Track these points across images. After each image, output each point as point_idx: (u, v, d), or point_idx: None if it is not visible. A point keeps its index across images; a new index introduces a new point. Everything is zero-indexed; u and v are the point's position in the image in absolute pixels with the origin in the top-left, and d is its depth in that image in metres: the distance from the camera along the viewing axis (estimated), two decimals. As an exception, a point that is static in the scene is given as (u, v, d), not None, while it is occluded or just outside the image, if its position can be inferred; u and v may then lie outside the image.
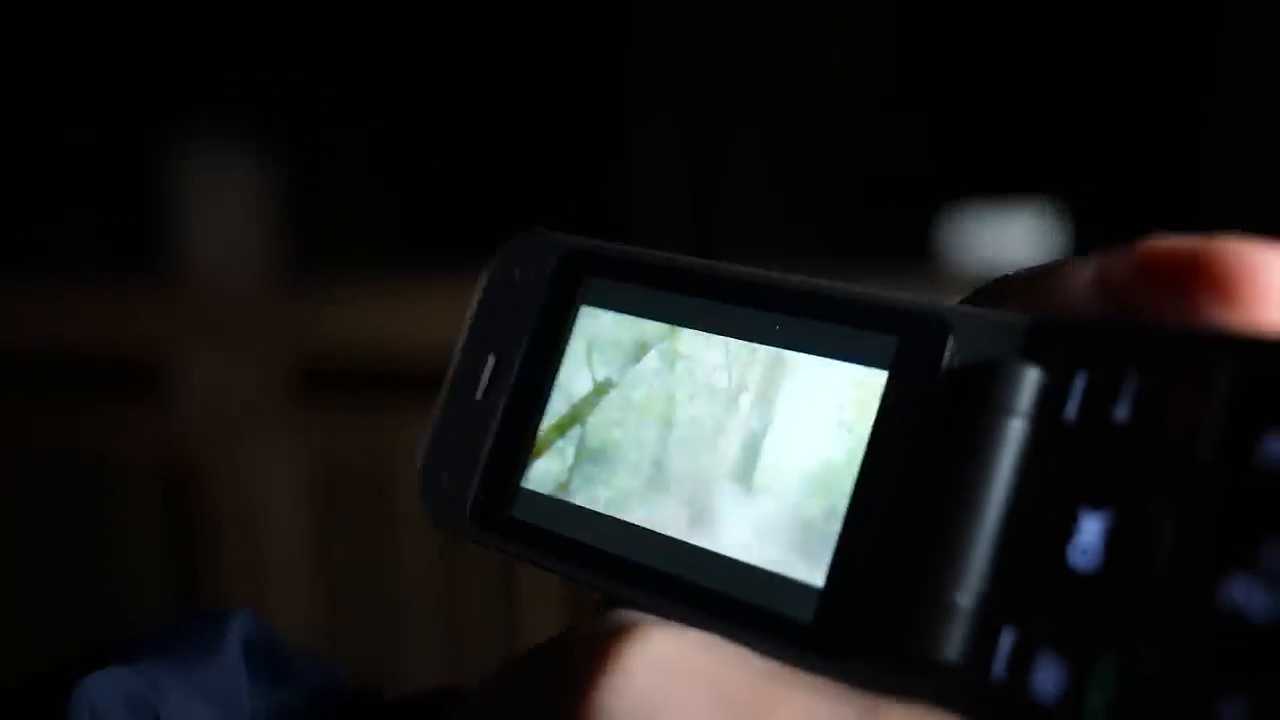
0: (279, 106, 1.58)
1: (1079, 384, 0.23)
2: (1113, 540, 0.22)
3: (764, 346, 0.28)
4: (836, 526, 0.25)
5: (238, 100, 1.58)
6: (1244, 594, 0.21)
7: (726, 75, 1.56)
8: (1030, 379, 0.24)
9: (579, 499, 0.29)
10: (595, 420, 0.30)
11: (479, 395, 0.31)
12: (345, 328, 1.45)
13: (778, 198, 1.56)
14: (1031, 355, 0.24)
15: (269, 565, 1.45)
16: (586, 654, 0.25)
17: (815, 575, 0.25)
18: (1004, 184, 1.50)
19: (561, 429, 0.30)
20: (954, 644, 0.23)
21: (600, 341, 0.30)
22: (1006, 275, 0.26)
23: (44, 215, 1.60)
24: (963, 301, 0.26)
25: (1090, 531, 0.23)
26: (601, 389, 0.30)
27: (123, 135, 1.59)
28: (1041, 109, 1.55)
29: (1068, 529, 0.23)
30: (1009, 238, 1.43)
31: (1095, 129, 1.52)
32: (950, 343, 0.25)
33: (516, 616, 1.43)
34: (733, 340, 0.28)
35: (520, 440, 0.30)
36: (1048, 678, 0.22)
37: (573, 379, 0.30)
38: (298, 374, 1.47)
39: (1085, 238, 1.45)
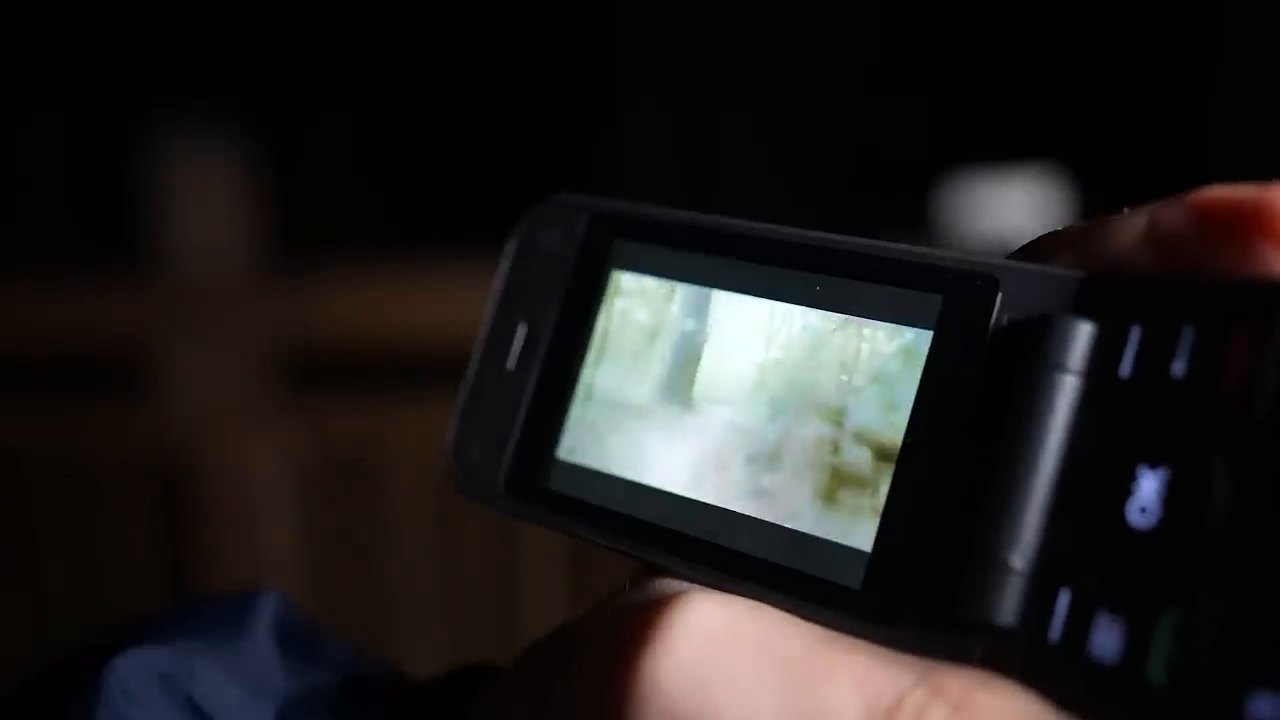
0: (259, 92, 1.57)
1: (1133, 339, 0.23)
2: (1172, 496, 0.22)
3: (804, 308, 0.27)
4: (883, 490, 0.25)
5: (217, 86, 1.57)
6: None
7: (716, 49, 1.55)
8: (1083, 335, 0.23)
9: (618, 468, 0.29)
10: (632, 387, 0.29)
11: (510, 365, 0.31)
12: (333, 316, 1.44)
13: (772, 171, 1.55)
14: (1084, 311, 0.24)
15: (261, 558, 1.44)
16: (632, 623, 0.25)
17: (863, 540, 0.25)
18: (1003, 150, 1.49)
19: (597, 397, 0.30)
20: (1009, 607, 0.23)
21: (635, 306, 0.29)
22: (1055, 230, 0.26)
23: (19, 207, 1.59)
24: (1010, 257, 0.26)
25: (1148, 489, 0.22)
26: (637, 355, 0.29)
27: (99, 123, 1.57)
28: (1042, 73, 1.54)
29: (1125, 487, 0.22)
30: (1010, 205, 1.42)
31: (1097, 92, 1.52)
32: (999, 300, 0.25)
33: (515, 606, 1.42)
34: (772, 302, 0.28)
35: (555, 409, 0.30)
36: (1108, 638, 0.22)
37: (607, 345, 0.30)
38: (285, 364, 1.46)
39: (1088, 203, 1.44)
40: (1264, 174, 0.26)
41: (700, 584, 0.26)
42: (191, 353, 1.45)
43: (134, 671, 0.30)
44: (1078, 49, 1.53)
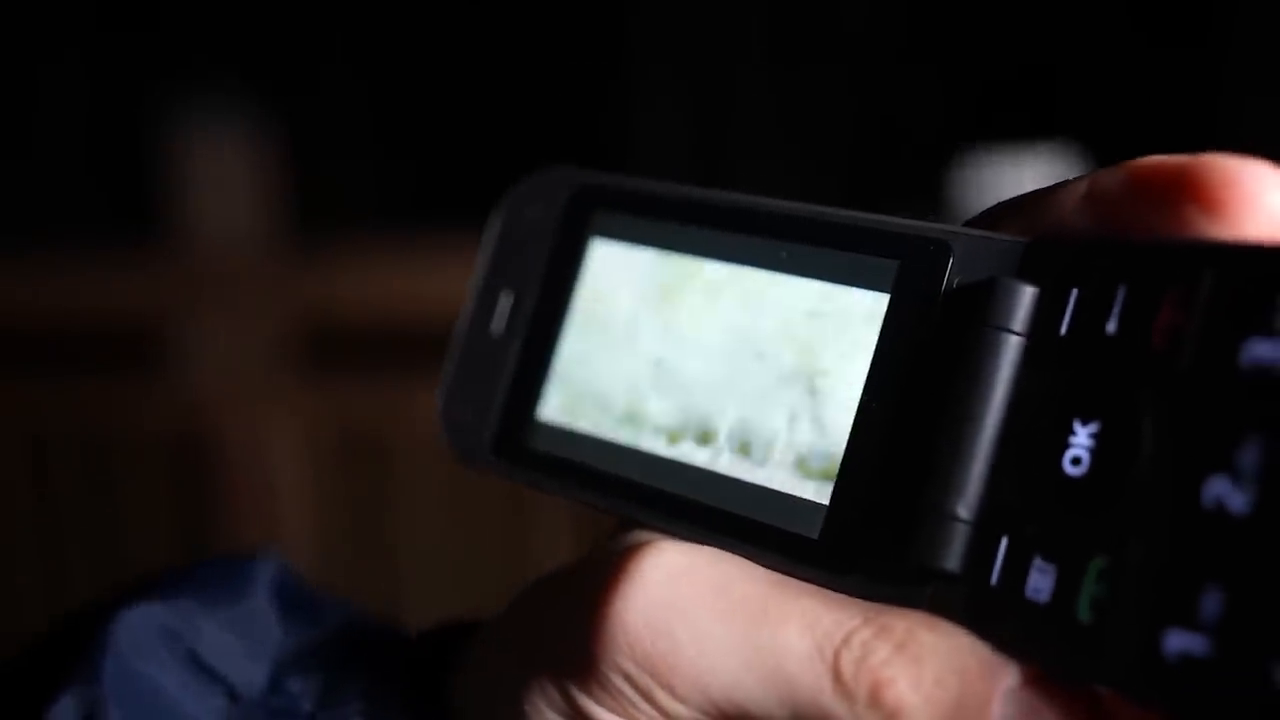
0: (276, 66, 1.57)
1: (1072, 300, 0.24)
2: (1101, 448, 0.23)
3: (771, 273, 0.28)
4: (841, 447, 0.26)
5: (234, 60, 1.57)
6: (1224, 492, 0.21)
7: (733, 20, 1.55)
8: (1026, 296, 0.24)
9: (593, 428, 0.30)
10: (608, 351, 0.30)
11: (496, 331, 0.32)
12: (350, 291, 1.44)
13: (788, 144, 1.55)
14: (1028, 274, 0.25)
15: (278, 532, 1.45)
16: (603, 570, 0.26)
17: (822, 494, 0.26)
18: (1019, 127, 1.49)
19: (576, 360, 0.31)
20: (954, 554, 0.24)
21: (613, 273, 0.31)
22: (1007, 199, 0.27)
23: (38, 184, 1.59)
24: (966, 224, 0.27)
25: (1082, 441, 0.23)
26: (614, 320, 0.31)
27: (116, 96, 1.58)
28: (1057, 48, 1.54)
29: (1062, 440, 0.24)
30: (1024, 181, 1.42)
31: (1112, 68, 1.51)
32: (950, 265, 0.26)
33: (528, 578, 1.43)
34: (741, 267, 0.29)
35: (537, 373, 0.31)
36: (1042, 581, 0.23)
37: (587, 311, 0.31)
38: (303, 339, 1.46)
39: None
40: (1279, 147, 0.27)
41: (672, 535, 0.27)
42: (209, 328, 1.46)
43: (139, 626, 0.31)
44: (1092, 25, 1.53)
